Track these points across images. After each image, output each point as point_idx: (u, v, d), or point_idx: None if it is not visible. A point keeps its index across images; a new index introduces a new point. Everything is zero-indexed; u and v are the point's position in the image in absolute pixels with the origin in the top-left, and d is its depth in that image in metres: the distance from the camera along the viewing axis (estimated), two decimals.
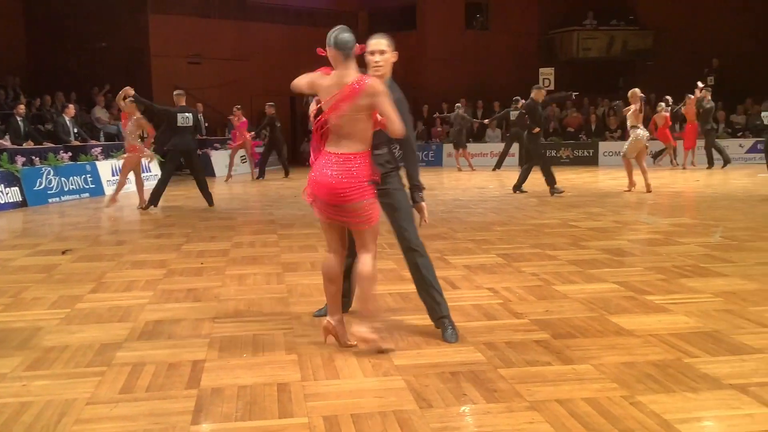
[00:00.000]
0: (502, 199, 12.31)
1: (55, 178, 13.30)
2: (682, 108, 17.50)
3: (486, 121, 20.47)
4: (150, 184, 12.87)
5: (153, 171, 15.18)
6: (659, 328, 4.39)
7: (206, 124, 20.68)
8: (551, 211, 10.31)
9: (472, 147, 20.20)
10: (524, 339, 4.22)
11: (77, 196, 13.75)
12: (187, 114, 11.36)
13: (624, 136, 16.98)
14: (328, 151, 3.91)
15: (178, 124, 11.27)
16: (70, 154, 14.15)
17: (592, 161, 20.62)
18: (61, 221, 10.76)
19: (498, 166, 19.00)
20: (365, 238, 3.98)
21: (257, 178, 17.95)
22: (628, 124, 12.74)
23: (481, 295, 5.34)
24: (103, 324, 4.76)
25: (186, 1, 22.34)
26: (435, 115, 21.92)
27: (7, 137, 13.78)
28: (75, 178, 13.84)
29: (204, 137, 19.87)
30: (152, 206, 11.44)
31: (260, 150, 18.70)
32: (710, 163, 17.63)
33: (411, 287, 5.53)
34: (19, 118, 14.08)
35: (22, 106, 14.54)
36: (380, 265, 6.43)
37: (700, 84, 17.16)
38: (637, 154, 12.59)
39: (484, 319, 4.68)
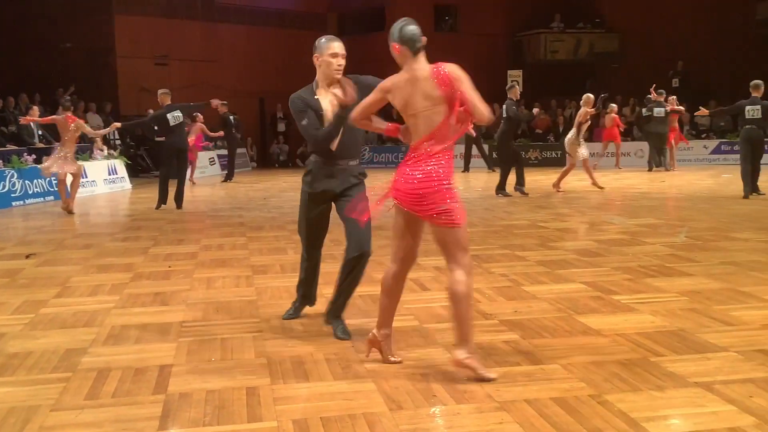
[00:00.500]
0: (471, 200, 12.37)
1: (18, 181, 13.06)
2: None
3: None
4: (86, 191, 12.63)
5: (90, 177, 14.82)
6: (626, 327, 4.44)
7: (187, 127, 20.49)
8: (520, 212, 10.39)
9: None
10: (493, 340, 4.24)
11: (41, 199, 13.52)
12: (176, 113, 11.40)
13: (591, 138, 17.22)
14: (413, 151, 3.66)
15: (171, 124, 11.34)
16: (34, 156, 13.90)
17: (560, 162, 20.75)
18: (25, 225, 10.58)
19: (466, 168, 19.07)
20: (450, 248, 3.61)
21: (225, 180, 17.78)
22: (581, 127, 12.99)
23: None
24: (68, 329, 4.68)
25: (152, 2, 22.12)
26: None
27: None
28: (39, 181, 13.60)
29: None
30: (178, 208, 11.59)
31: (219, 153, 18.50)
32: (652, 166, 17.92)
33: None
34: None
35: None
36: (337, 267, 6.43)
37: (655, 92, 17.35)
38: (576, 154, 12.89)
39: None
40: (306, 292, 4.80)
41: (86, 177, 13.81)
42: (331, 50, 4.17)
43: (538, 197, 12.43)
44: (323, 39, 4.24)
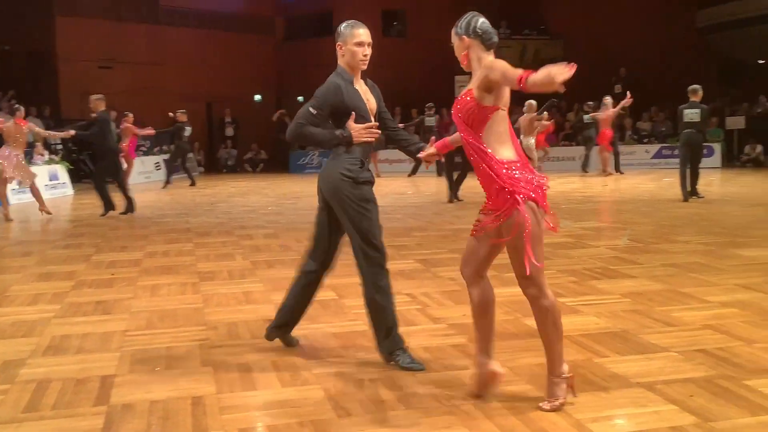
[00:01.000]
0: (420, 204, 12.44)
1: None
2: (599, 114, 18.01)
3: (401, 125, 20.51)
4: (27, 197, 12.30)
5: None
6: (571, 329, 4.50)
7: (118, 131, 20.06)
8: (469, 216, 10.46)
9: (390, 153, 20.31)
10: (442, 344, 4.26)
11: None
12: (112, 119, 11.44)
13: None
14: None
15: (112, 128, 11.29)
16: None
17: None
18: None
19: (413, 171, 19.16)
20: (514, 263, 3.31)
21: (164, 186, 17.36)
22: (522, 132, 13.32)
23: (399, 300, 5.30)
24: (6, 340, 4.53)
25: (95, 3, 21.66)
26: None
27: None
28: None
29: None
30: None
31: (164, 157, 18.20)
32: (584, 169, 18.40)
33: (329, 294, 5.53)
34: None
35: None
36: (287, 273, 6.39)
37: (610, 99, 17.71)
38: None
39: (403, 325, 4.66)
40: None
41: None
42: (357, 38, 3.76)
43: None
44: (347, 25, 3.81)
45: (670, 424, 3.04)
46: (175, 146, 17.90)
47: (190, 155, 19.34)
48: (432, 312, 5.00)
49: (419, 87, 22.18)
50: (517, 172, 3.19)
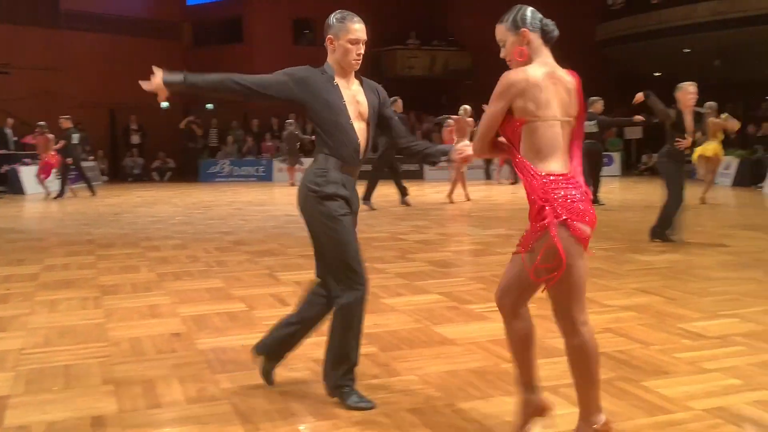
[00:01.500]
0: None
1: None
2: None
3: (313, 137, 20.34)
4: None
5: None
6: (479, 335, 4.58)
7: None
8: (380, 224, 10.53)
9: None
10: None
11: None
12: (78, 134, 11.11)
13: None
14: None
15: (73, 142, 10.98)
16: None
17: (418, 175, 21.33)
18: None
19: None
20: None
21: (57, 197, 16.25)
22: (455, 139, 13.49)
23: None
24: None
25: None
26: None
27: None
28: None
29: (12, 152, 18.44)
30: None
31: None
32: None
33: (239, 306, 5.43)
34: None
35: None
36: (207, 284, 6.27)
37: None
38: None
39: (315, 335, 4.65)
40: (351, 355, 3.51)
41: None
42: (352, 34, 3.30)
43: (398, 210, 12.65)
44: (340, 17, 3.34)
45: (573, 427, 3.13)
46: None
47: (85, 163, 18.47)
48: None
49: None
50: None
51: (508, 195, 15.55)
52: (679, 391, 3.50)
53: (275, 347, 3.62)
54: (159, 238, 9.44)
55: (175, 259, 7.69)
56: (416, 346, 4.39)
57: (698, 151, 12.34)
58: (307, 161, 20.38)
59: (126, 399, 3.55)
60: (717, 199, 13.69)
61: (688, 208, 9.10)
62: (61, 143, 15.97)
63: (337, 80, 3.36)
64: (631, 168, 21.70)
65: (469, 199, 13.89)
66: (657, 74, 25.24)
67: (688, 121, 8.06)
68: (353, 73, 3.41)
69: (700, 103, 8.45)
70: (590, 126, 12.08)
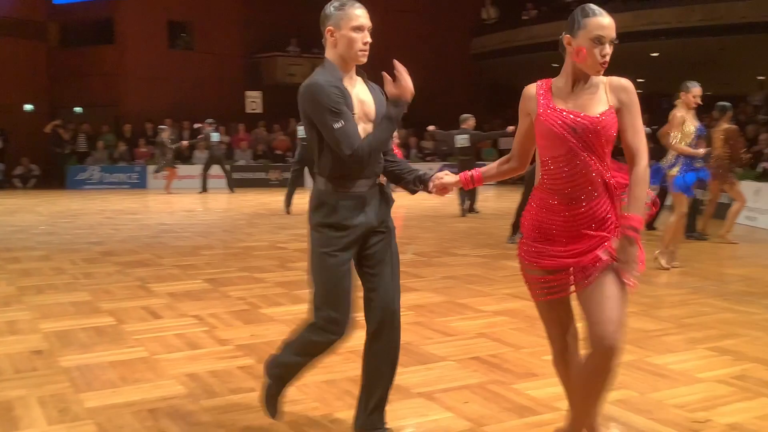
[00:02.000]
0: (211, 222, 12.12)
1: None
2: None
3: (184, 143, 19.70)
4: None
5: None
6: (357, 344, 4.54)
7: None
8: (260, 233, 10.38)
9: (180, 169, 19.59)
10: (228, 366, 4.15)
11: None
12: None
13: None
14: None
15: None
16: None
17: (298, 183, 21.19)
18: None
19: (203, 188, 18.58)
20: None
21: None
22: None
23: (185, 323, 5.15)
24: None
25: None
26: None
27: None
28: None
29: None
30: None
31: None
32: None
33: (107, 320, 5.18)
34: None
35: None
36: (72, 297, 5.94)
37: None
38: None
39: (187, 349, 4.52)
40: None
41: None
42: (354, 21, 2.87)
43: (280, 218, 12.52)
44: (339, 5, 2.90)
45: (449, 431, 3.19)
46: None
47: None
48: (219, 334, 4.86)
49: (208, 101, 21.71)
50: None
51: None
52: (547, 393, 3.64)
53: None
54: (20, 248, 8.87)
55: (37, 272, 7.25)
56: None
57: None
58: (188, 167, 19.84)
59: None
60: None
61: None
62: None
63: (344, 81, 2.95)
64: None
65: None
66: None
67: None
68: (354, 69, 3.01)
69: None
70: (462, 141, 12.59)
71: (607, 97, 2.61)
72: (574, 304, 2.74)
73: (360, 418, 3.07)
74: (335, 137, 2.79)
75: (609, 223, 2.61)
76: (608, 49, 2.55)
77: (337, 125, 2.78)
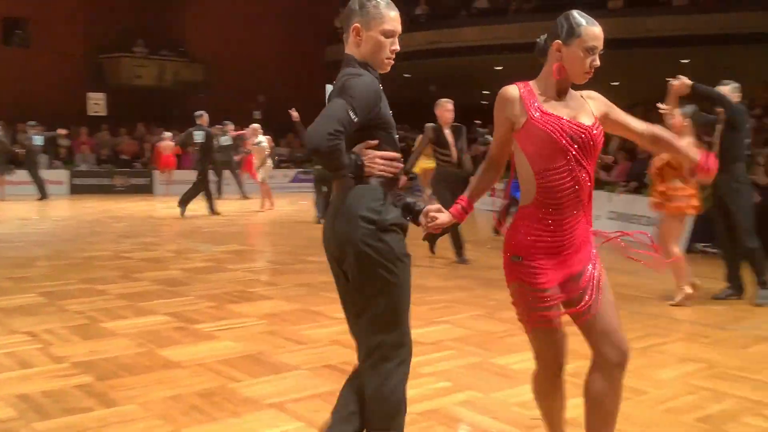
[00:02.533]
0: (48, 230, 11.37)
1: None
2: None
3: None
4: None
5: None
6: (207, 356, 4.46)
7: None
8: (103, 242, 9.85)
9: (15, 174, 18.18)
10: (63, 385, 3.89)
11: None
12: None
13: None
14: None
15: None
16: None
17: (147, 189, 20.39)
18: None
19: (43, 194, 17.39)
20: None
21: None
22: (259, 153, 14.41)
23: (16, 341, 4.78)
24: None
25: None
26: None
27: None
28: None
29: None
30: None
31: None
32: None
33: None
34: None
35: None
36: None
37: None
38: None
39: (18, 368, 4.20)
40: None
41: None
42: (387, 24, 2.54)
43: (122, 226, 11.95)
44: (374, 2, 2.55)
45: None
46: None
47: None
48: (54, 351, 4.55)
49: (48, 102, 20.38)
50: None
51: (239, 209, 15.40)
52: None
53: None
54: None
55: None
56: (138, 372, 4.14)
57: (420, 165, 13.25)
58: (24, 173, 18.45)
59: None
60: None
61: None
62: None
63: None
64: None
65: (268, 209, 14.62)
66: None
67: (449, 135, 8.05)
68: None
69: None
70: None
71: (592, 109, 2.58)
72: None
73: None
74: (333, 113, 2.37)
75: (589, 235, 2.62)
76: (598, 60, 2.52)
77: (352, 115, 2.38)
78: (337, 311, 5.58)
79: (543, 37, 2.61)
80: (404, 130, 23.45)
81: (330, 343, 4.78)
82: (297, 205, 16.56)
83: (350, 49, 2.58)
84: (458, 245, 8.25)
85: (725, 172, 5.61)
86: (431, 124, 8.11)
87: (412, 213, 2.66)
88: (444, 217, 2.64)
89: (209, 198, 13.69)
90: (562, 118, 2.50)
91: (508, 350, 4.64)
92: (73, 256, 8.50)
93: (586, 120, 2.54)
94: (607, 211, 10.95)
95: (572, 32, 2.49)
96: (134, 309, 5.77)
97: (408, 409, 3.48)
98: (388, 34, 2.53)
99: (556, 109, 2.52)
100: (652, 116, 5.64)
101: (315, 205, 12.72)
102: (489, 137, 8.85)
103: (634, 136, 2.71)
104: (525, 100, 2.52)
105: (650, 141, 2.71)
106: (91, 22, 22.08)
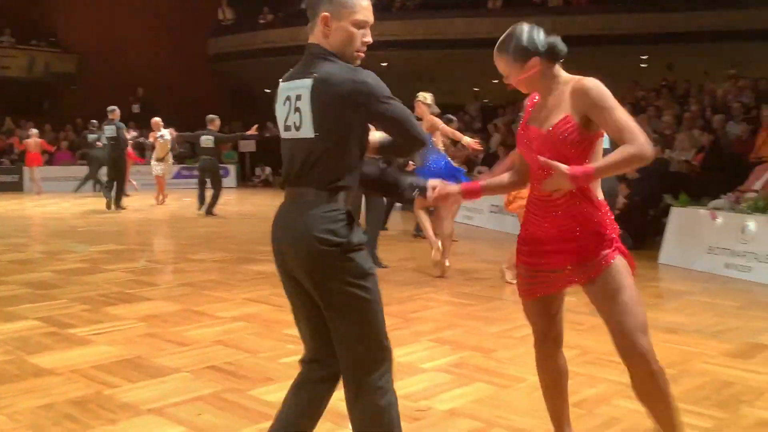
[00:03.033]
0: None
1: None
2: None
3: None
4: None
5: None
6: (81, 362, 4.24)
7: None
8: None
9: None
10: None
11: None
12: None
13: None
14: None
15: None
16: None
17: (17, 187, 19.23)
18: None
19: None
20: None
21: None
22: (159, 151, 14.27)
23: None
24: None
25: None
26: None
27: None
28: None
29: None
30: None
31: None
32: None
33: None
34: None
35: None
36: None
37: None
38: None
39: None
40: None
41: None
42: (358, 15, 2.38)
43: None
44: None
45: None
46: None
47: None
48: None
49: None
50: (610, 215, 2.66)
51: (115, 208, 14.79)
52: (282, 396, 3.63)
53: None
54: None
55: None
56: (5, 382, 3.88)
57: None
58: None
59: None
60: None
61: None
62: None
63: None
64: (246, 180, 22.40)
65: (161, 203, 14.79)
66: (267, 91, 26.49)
67: None
68: None
69: None
70: (207, 141, 12.59)
71: (569, 103, 2.54)
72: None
73: None
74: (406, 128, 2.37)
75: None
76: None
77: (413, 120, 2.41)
78: (222, 310, 5.52)
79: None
80: None
81: (213, 343, 4.67)
82: (180, 201, 16.11)
83: (317, 38, 2.40)
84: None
85: None
86: None
87: (420, 189, 2.62)
88: (452, 187, 2.70)
89: (120, 191, 13.73)
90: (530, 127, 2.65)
91: (395, 343, 4.59)
92: None
93: (551, 122, 2.56)
94: (490, 204, 11.28)
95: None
96: (0, 314, 5.41)
97: None
98: (360, 25, 2.39)
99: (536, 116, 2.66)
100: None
101: (199, 201, 12.64)
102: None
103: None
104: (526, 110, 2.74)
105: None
106: None
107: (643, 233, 8.77)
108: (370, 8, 2.43)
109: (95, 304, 5.74)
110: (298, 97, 2.36)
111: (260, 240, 9.48)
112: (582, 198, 2.56)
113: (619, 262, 2.56)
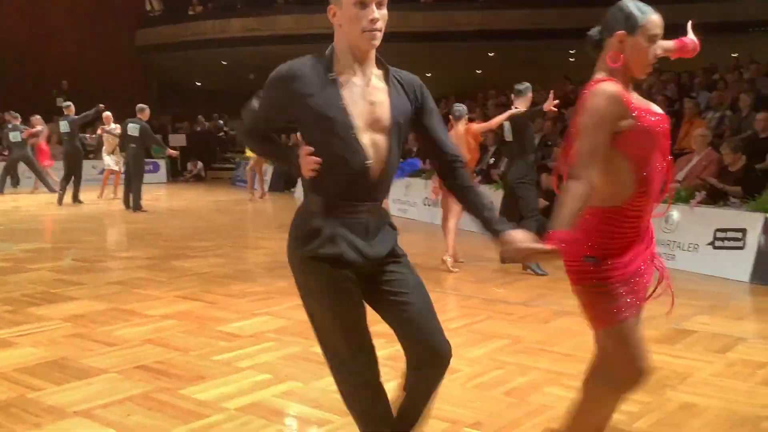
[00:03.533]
0: None
1: None
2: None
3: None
4: None
5: None
6: (4, 365, 4.08)
7: None
8: None
9: None
10: None
11: None
12: None
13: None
14: None
15: None
16: None
17: None
18: None
19: None
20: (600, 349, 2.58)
21: None
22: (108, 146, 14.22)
23: None
24: None
25: None
26: None
27: None
28: None
29: None
30: None
31: None
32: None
33: None
34: None
35: None
36: None
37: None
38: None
39: None
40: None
41: None
42: None
43: None
44: None
45: None
46: None
47: None
48: None
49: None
50: None
51: (41, 206, 14.29)
52: (214, 394, 3.59)
53: None
54: None
55: None
56: None
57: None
58: None
59: None
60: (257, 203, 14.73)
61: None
62: None
63: (341, 71, 2.27)
64: (176, 175, 21.92)
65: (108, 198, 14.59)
66: (198, 84, 25.99)
67: None
68: (374, 61, 2.31)
69: None
70: (134, 129, 12.33)
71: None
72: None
73: None
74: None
75: None
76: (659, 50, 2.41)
77: (254, 103, 2.38)
78: (151, 308, 5.39)
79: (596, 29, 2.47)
80: (223, 119, 22.90)
81: (143, 342, 4.56)
82: (108, 197, 15.65)
83: (336, 37, 2.29)
84: None
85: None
86: None
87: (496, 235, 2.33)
88: (539, 245, 2.22)
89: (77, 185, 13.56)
90: (657, 115, 2.42)
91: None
92: None
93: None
94: (423, 197, 11.36)
95: (636, 21, 2.35)
96: None
97: (226, 405, 3.42)
98: (362, 5, 2.19)
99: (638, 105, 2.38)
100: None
101: (124, 196, 12.42)
102: None
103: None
104: (626, 100, 2.33)
105: None
106: None
107: None
108: None
109: (18, 305, 5.53)
110: None
111: (191, 236, 9.31)
112: None
113: None
